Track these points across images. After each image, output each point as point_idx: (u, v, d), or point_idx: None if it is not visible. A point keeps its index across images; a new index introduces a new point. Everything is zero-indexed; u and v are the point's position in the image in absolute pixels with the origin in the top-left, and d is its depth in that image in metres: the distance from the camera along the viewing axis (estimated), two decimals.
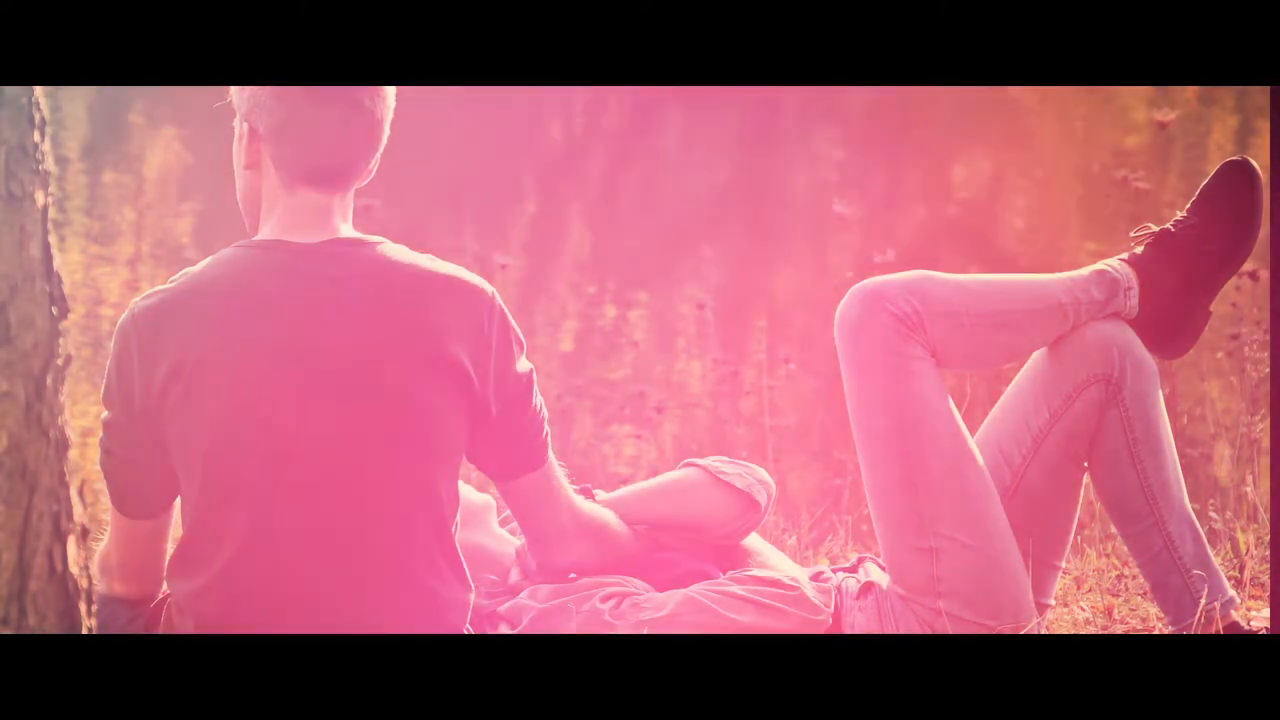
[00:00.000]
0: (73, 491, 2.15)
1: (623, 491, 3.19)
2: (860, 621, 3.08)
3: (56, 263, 2.16)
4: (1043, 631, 3.20)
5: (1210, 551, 3.22)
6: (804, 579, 3.11)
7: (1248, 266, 5.18)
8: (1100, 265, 3.26)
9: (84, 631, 2.15)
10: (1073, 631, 3.50)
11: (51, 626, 2.11)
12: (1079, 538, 4.06)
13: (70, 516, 2.14)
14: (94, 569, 2.83)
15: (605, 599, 3.02)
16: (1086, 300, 3.21)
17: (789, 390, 6.27)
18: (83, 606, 2.15)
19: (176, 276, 2.73)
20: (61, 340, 2.15)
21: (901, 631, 3.07)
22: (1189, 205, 3.29)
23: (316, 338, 2.67)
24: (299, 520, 2.66)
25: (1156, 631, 3.46)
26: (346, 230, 2.76)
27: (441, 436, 2.71)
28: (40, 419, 2.12)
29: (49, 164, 2.15)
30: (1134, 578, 3.76)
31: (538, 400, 2.83)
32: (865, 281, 3.17)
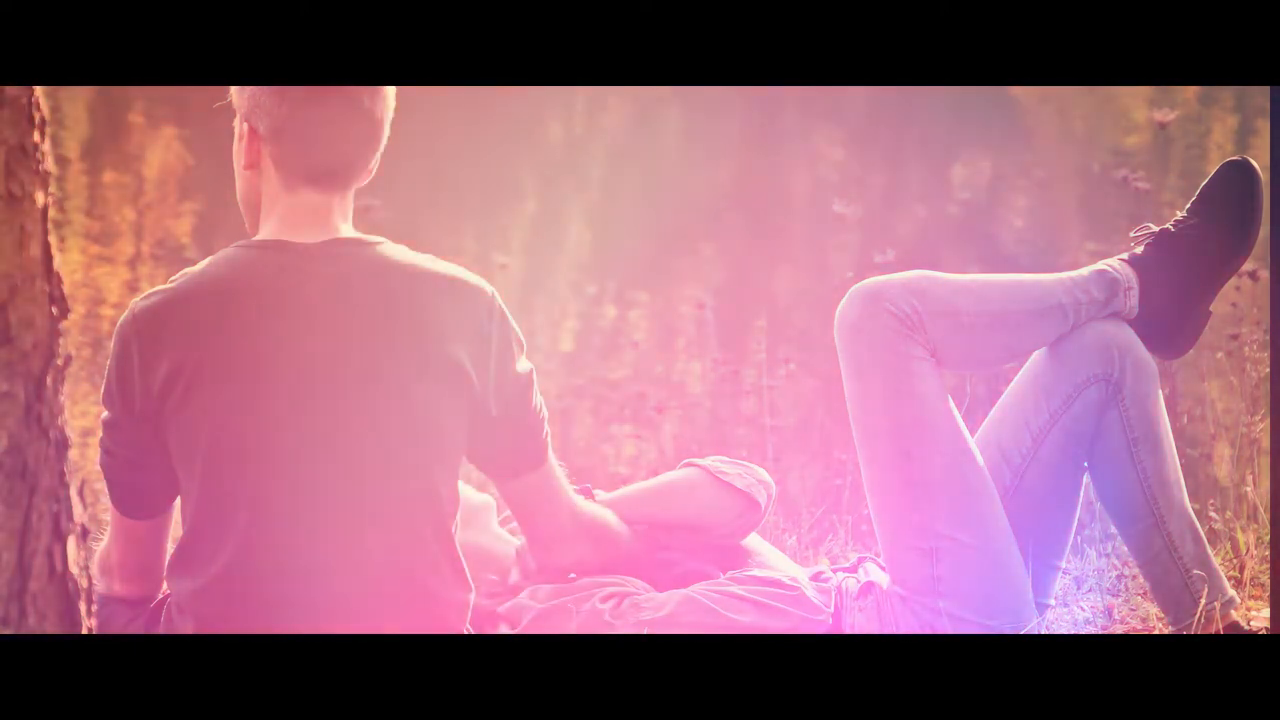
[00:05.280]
0: (73, 491, 2.15)
1: (623, 491, 3.19)
2: (860, 621, 3.08)
3: (56, 263, 2.16)
4: (1043, 631, 3.20)
5: (1210, 551, 3.22)
6: (804, 579, 3.11)
7: (1248, 266, 5.17)
8: (1100, 265, 3.26)
9: (84, 631, 2.15)
10: (1073, 631, 3.50)
11: (51, 626, 2.11)
12: (1079, 538, 4.05)
13: (70, 516, 2.14)
14: (94, 569, 2.84)
15: (605, 599, 3.02)
16: (1086, 300, 3.21)
17: (789, 390, 6.26)
18: (83, 606, 2.15)
19: (176, 277, 2.73)
20: (61, 340, 2.15)
21: (901, 631, 3.07)
22: (1189, 205, 3.29)
23: (317, 338, 2.67)
24: (299, 520, 2.66)
25: (1156, 631, 3.46)
26: (347, 230, 2.76)
27: (441, 436, 2.71)
28: (40, 419, 2.12)
29: (49, 164, 2.15)
30: (1134, 578, 3.76)
31: (538, 400, 2.83)
32: (865, 281, 3.17)
